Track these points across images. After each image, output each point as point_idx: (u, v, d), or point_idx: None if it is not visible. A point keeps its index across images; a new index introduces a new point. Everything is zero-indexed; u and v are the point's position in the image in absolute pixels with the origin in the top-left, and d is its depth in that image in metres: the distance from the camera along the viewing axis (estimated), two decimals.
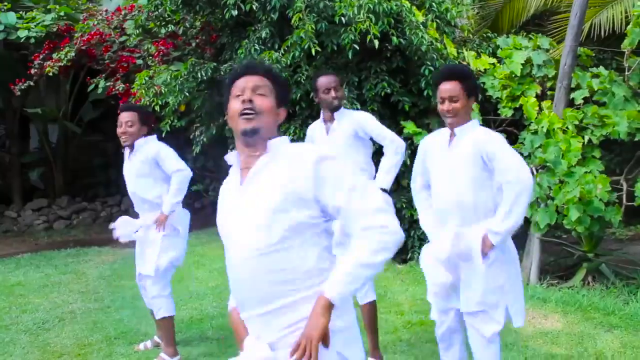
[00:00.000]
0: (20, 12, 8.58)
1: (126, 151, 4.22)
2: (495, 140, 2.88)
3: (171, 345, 4.19)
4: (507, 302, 2.97)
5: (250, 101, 1.90)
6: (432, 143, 3.18)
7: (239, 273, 1.91)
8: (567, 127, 5.71)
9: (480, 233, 2.87)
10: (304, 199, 1.82)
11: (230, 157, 2.00)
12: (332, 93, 3.95)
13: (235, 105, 1.93)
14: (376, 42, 5.91)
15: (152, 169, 4.10)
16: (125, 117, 4.13)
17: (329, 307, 1.76)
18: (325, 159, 1.84)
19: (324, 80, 3.97)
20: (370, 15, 5.90)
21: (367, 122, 3.98)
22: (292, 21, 6.13)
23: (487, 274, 2.91)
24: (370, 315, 3.95)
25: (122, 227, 4.18)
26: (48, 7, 8.74)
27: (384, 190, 3.81)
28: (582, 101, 5.97)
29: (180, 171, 4.09)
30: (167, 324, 4.20)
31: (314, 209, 1.84)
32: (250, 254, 1.86)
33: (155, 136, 4.27)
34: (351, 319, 1.93)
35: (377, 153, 4.17)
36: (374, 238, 1.78)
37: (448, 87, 2.93)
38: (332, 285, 1.78)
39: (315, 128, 4.18)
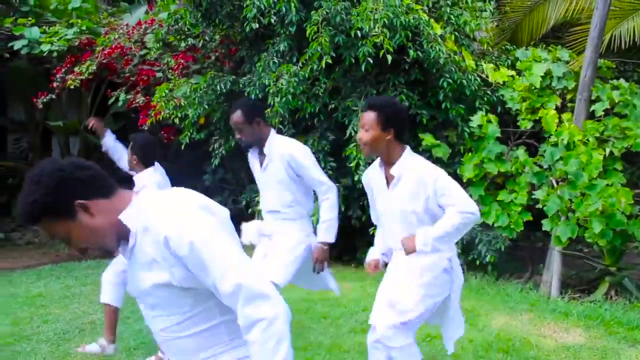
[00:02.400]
0: (44, 27, 8.72)
1: None
2: (439, 176, 2.92)
3: None
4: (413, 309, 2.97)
5: None
6: (372, 178, 3.20)
7: (161, 338, 1.86)
8: (587, 140, 5.67)
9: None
10: (186, 287, 1.69)
11: None
12: (237, 135, 3.68)
13: None
14: (389, 57, 5.90)
15: None
16: None
17: None
18: (188, 243, 1.61)
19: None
20: (385, 29, 5.90)
21: (296, 159, 3.57)
22: (307, 33, 6.16)
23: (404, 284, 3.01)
24: None
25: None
26: (70, 21, 8.87)
27: (329, 244, 3.63)
28: (602, 113, 5.92)
29: None
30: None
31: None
32: (159, 327, 1.84)
33: (151, 168, 4.30)
34: None
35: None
36: (260, 340, 1.59)
37: (364, 116, 3.01)
38: None
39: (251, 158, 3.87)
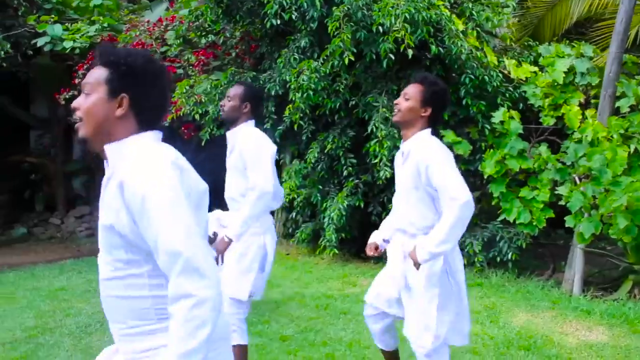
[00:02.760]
0: (66, 24, 8.81)
1: None
2: (430, 164, 2.85)
3: None
4: (436, 325, 2.93)
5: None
6: (396, 158, 3.24)
7: (101, 290, 1.78)
8: (612, 136, 5.59)
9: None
10: (124, 234, 1.63)
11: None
12: (221, 102, 3.69)
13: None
14: (410, 52, 5.87)
15: None
16: None
17: None
18: (141, 195, 1.56)
19: None
20: (407, 24, 5.88)
21: (242, 150, 3.49)
22: (329, 30, 6.15)
23: (415, 300, 2.98)
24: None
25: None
26: (92, 18, 8.96)
27: (230, 239, 3.31)
28: (628, 109, 5.84)
29: None
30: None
31: (138, 244, 1.64)
32: (101, 276, 1.75)
33: None
34: None
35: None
36: (181, 317, 1.51)
37: (410, 87, 3.03)
38: None
39: None
